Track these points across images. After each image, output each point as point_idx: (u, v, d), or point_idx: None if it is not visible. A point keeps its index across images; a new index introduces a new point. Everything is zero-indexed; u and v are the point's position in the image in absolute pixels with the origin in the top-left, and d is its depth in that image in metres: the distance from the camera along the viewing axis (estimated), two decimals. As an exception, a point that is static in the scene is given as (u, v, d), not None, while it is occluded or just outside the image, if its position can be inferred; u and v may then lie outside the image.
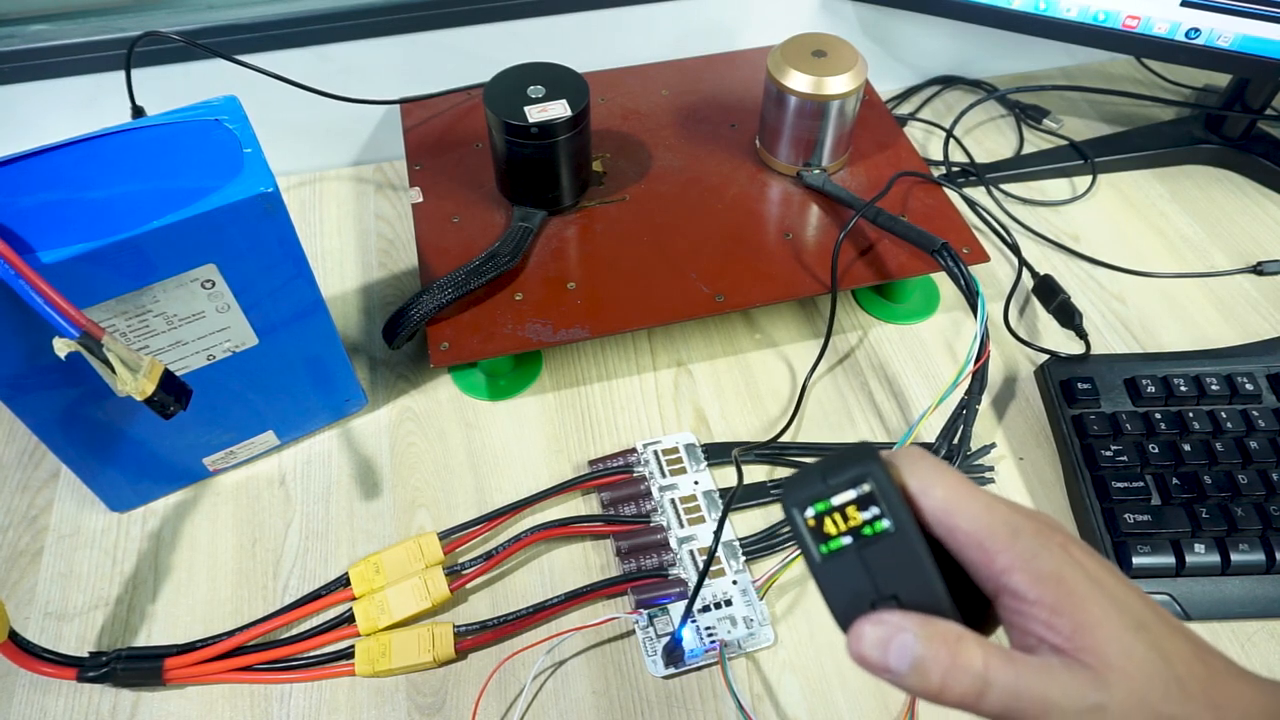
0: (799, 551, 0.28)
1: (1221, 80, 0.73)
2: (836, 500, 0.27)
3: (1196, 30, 0.64)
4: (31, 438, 0.52)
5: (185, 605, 0.48)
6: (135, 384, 0.37)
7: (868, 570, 0.26)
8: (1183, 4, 0.63)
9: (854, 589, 0.26)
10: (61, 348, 0.36)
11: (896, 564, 0.26)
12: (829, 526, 0.27)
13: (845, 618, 0.27)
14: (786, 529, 0.50)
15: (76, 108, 0.65)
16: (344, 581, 0.48)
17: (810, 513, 0.27)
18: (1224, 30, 0.63)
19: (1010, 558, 0.25)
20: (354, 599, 0.47)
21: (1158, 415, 0.53)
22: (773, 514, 0.52)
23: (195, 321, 0.44)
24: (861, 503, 0.26)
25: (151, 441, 0.49)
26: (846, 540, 0.26)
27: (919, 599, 0.26)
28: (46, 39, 0.62)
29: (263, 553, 0.50)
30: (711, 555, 0.46)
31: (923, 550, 0.26)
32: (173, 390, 0.38)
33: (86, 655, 0.45)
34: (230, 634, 0.46)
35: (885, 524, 0.26)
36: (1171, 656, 0.25)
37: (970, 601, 0.27)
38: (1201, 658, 0.25)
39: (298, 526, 0.51)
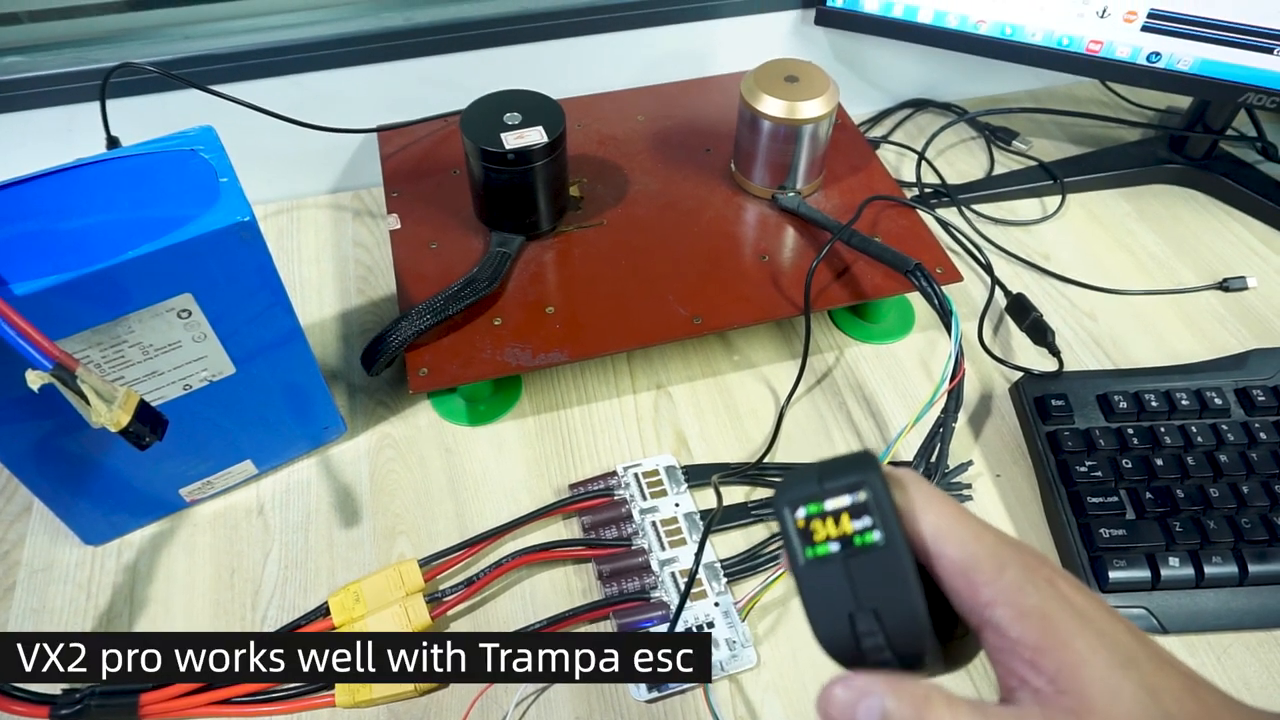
0: (784, 551, 0.27)
1: (1183, 102, 0.75)
2: (830, 505, 0.26)
3: (1157, 54, 0.65)
4: (2, 471, 0.52)
5: (161, 639, 0.48)
6: (110, 415, 0.37)
7: (851, 581, 0.26)
8: (1143, 29, 0.64)
9: (834, 598, 0.26)
10: (34, 380, 0.36)
11: (881, 578, 0.25)
12: (818, 531, 0.26)
13: (821, 625, 0.26)
14: (768, 549, 0.50)
15: (51, 139, 0.65)
16: (324, 611, 0.47)
17: (801, 514, 0.26)
18: (1183, 55, 0.65)
19: (994, 591, 0.25)
20: (334, 628, 0.47)
21: (1130, 430, 0.53)
22: (754, 535, 0.52)
23: (171, 351, 0.44)
24: (855, 511, 0.26)
25: (126, 473, 0.48)
26: (834, 547, 0.26)
27: (899, 617, 0.25)
28: (21, 70, 0.62)
29: (241, 583, 0.50)
30: (693, 577, 0.46)
31: (910, 568, 0.25)
32: (148, 421, 0.38)
33: (60, 693, 0.44)
34: (207, 667, 0.45)
35: (876, 536, 0.25)
36: (1161, 694, 0.24)
37: (953, 627, 0.27)
38: (1194, 693, 0.24)
39: (276, 556, 0.51)
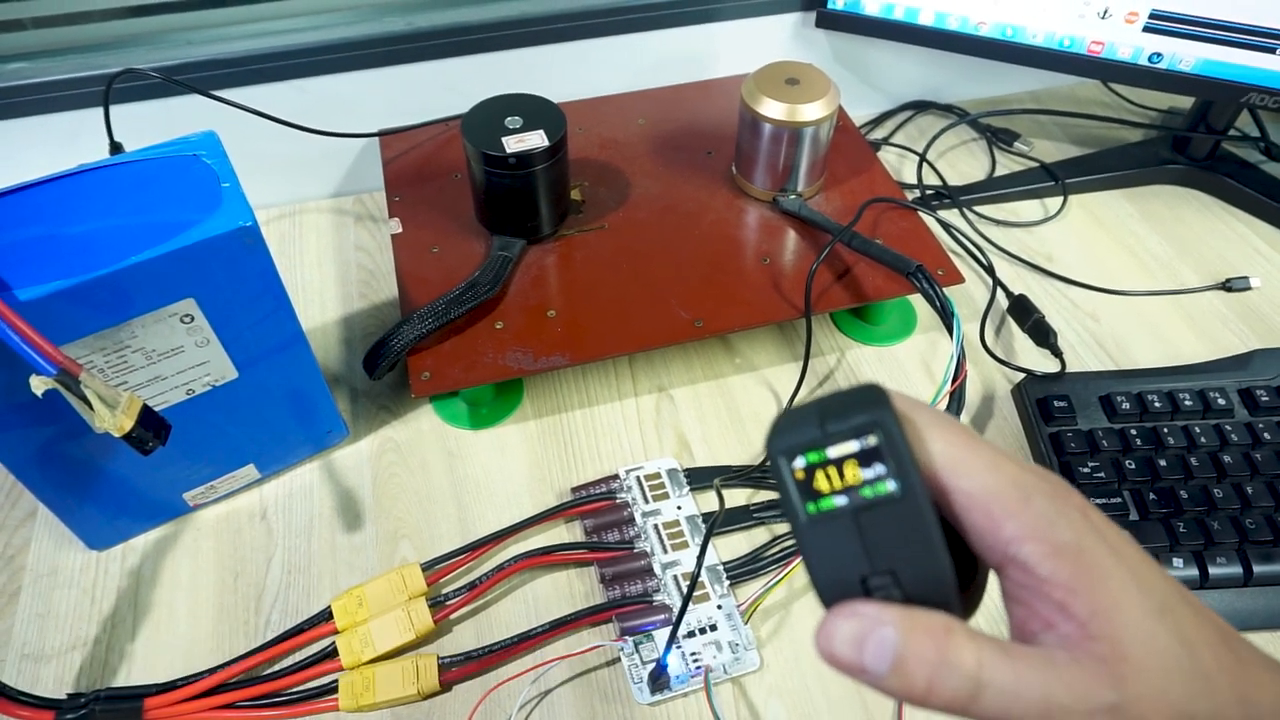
0: (781, 507, 0.24)
1: (1185, 102, 0.75)
2: (834, 452, 0.22)
3: (1159, 55, 0.65)
4: (7, 476, 0.52)
5: (165, 643, 0.48)
6: (113, 420, 0.37)
7: (862, 538, 0.22)
8: (1145, 30, 0.64)
9: (844, 559, 0.23)
10: (38, 385, 0.36)
11: (898, 534, 0.22)
12: (821, 482, 0.22)
13: (830, 591, 0.23)
14: (770, 552, 0.50)
15: (55, 144, 0.65)
16: (326, 615, 0.47)
17: (800, 463, 0.22)
18: (1185, 55, 0.64)
19: (1020, 526, 0.22)
20: (337, 632, 0.47)
21: (1133, 431, 0.53)
22: (756, 538, 0.52)
23: (174, 356, 0.44)
24: (864, 458, 0.22)
25: (130, 478, 0.48)
26: (840, 500, 0.22)
27: (921, 579, 0.22)
28: (25, 77, 0.62)
29: (244, 588, 0.50)
30: (695, 580, 0.46)
31: (934, 524, 0.22)
32: (151, 426, 0.38)
33: (64, 697, 0.44)
34: (211, 671, 0.45)
35: (890, 486, 0.22)
36: (1197, 645, 0.22)
37: (966, 570, 0.24)
38: (1230, 646, 0.22)
39: (279, 560, 0.51)
